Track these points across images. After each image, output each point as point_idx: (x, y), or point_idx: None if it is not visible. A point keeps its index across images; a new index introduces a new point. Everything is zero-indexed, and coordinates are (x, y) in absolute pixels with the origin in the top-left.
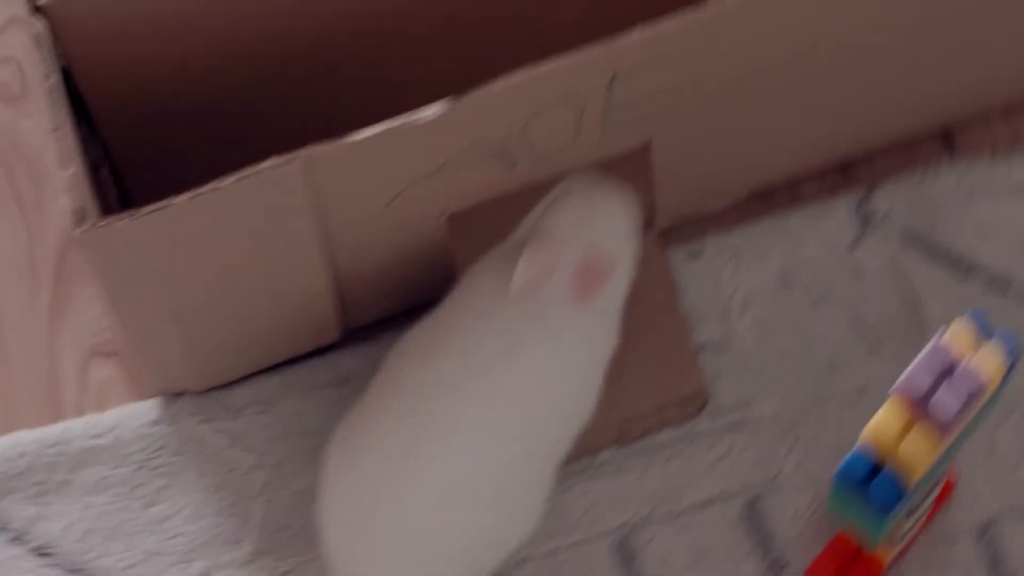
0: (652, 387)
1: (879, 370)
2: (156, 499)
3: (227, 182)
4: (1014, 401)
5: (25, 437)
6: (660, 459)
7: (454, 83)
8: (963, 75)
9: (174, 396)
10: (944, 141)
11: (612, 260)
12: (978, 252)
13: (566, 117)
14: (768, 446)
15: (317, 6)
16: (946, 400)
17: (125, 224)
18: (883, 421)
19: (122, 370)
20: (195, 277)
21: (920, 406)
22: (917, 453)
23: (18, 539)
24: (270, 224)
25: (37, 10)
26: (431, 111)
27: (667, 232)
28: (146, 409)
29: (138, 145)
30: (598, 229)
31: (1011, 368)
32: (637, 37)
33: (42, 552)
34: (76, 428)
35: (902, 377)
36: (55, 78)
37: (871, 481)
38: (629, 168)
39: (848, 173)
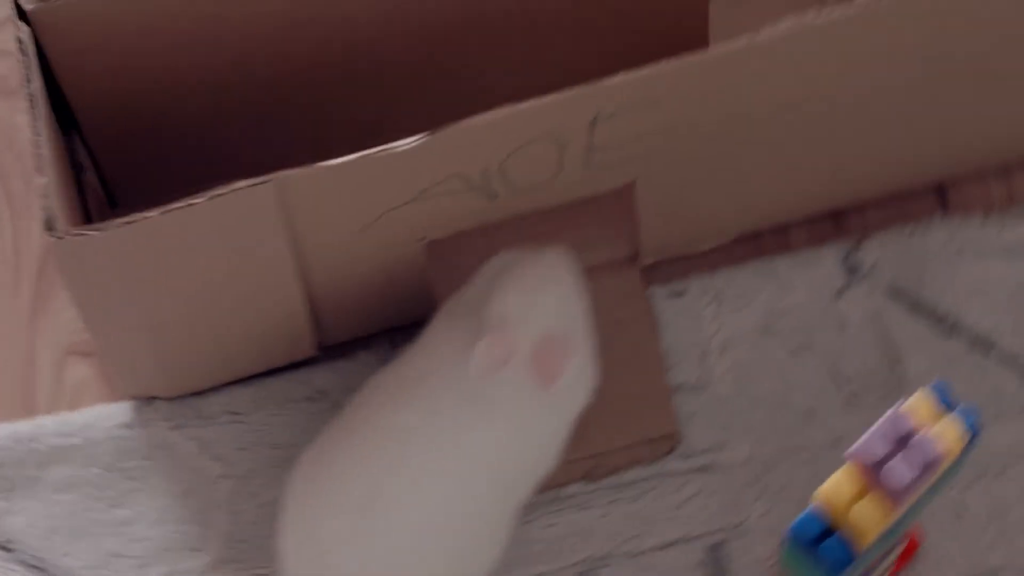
0: (624, 425)
1: (855, 423)
2: (122, 502)
3: (200, 200)
4: (985, 464)
5: None
6: (627, 496)
7: (443, 110)
8: (958, 134)
9: (147, 400)
10: (938, 195)
11: (567, 341)
12: (963, 311)
13: (547, 155)
14: (737, 491)
15: (307, 23)
16: (900, 469)
17: (95, 236)
18: (836, 484)
19: (98, 370)
20: (167, 290)
21: (874, 472)
22: (868, 519)
23: None
24: (243, 242)
25: (22, 16)
26: (408, 142)
27: (651, 268)
28: (118, 411)
29: (125, 150)
30: (547, 312)
31: (972, 441)
32: (618, 81)
33: (4, 546)
34: (48, 425)
35: (858, 442)
36: (36, 84)
37: (822, 542)
38: (613, 204)
39: (839, 222)
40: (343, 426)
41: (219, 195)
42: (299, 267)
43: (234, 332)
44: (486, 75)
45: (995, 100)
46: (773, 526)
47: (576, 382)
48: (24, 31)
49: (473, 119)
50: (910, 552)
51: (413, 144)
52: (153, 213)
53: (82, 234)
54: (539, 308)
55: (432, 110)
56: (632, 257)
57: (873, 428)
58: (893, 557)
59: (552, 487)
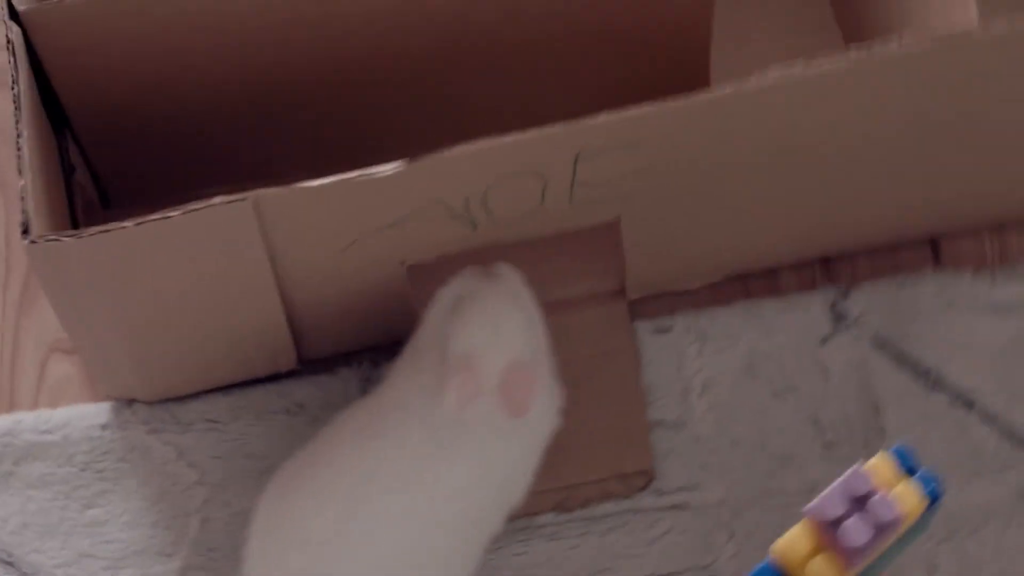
0: (600, 458)
1: (831, 471)
2: (95, 502)
3: (175, 213)
4: (959, 522)
5: None
6: (599, 529)
7: (440, 128)
8: (950, 190)
9: (127, 402)
10: (931, 248)
11: (532, 366)
12: (948, 366)
13: (530, 188)
14: (708, 532)
15: (303, 30)
16: (856, 529)
17: (69, 242)
18: (793, 540)
19: (80, 368)
20: (143, 298)
21: (831, 530)
22: None
23: None
24: (221, 256)
25: (13, 16)
26: (387, 168)
27: (637, 303)
28: (97, 412)
29: (118, 150)
30: (510, 339)
31: (933, 505)
32: (600, 120)
33: None
34: (27, 421)
35: (817, 499)
36: (22, 86)
37: None
38: (602, 236)
39: (828, 268)
40: (313, 458)
41: (195, 209)
42: (278, 283)
43: (212, 342)
44: (486, 100)
45: (987, 159)
46: (742, 569)
47: (543, 406)
48: (15, 32)
49: (454, 149)
50: None
51: (392, 170)
52: (128, 223)
53: (56, 239)
54: (502, 337)
55: (430, 127)
56: (619, 291)
57: (833, 485)
58: None
59: (524, 516)
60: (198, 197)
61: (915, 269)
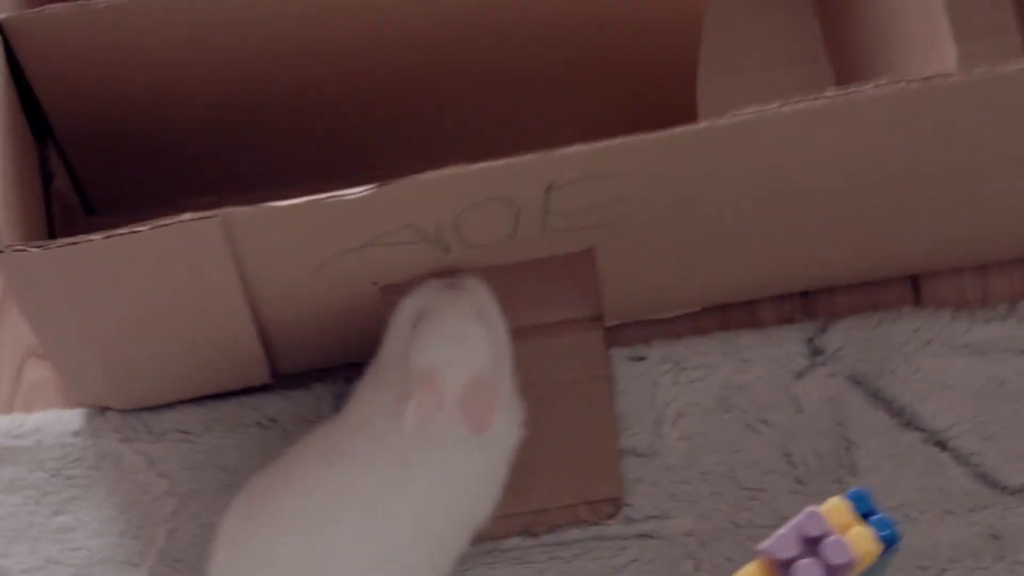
0: (569, 484)
1: (801, 506)
2: (65, 509)
3: (143, 228)
4: (927, 562)
5: None
6: (565, 555)
7: (426, 146)
8: (932, 230)
9: (100, 410)
10: (912, 286)
11: (494, 381)
12: (922, 405)
13: (501, 216)
14: (675, 562)
15: (288, 43)
16: (807, 571)
17: (36, 253)
18: None
19: (56, 373)
20: (111, 310)
21: (784, 570)
22: None
23: None
24: (190, 272)
25: None
26: (357, 191)
27: (614, 330)
28: (70, 418)
29: (101, 158)
30: (472, 353)
31: (889, 550)
32: (572, 152)
33: None
34: (0, 425)
35: (771, 538)
36: (1, 92)
37: None
38: (577, 264)
39: (807, 302)
40: (279, 477)
41: (163, 225)
42: (249, 299)
43: (183, 354)
44: (474, 123)
45: (968, 201)
46: None
47: (506, 419)
48: None
49: (424, 175)
50: None
51: (362, 194)
52: (96, 236)
53: (22, 250)
54: (464, 352)
55: (415, 146)
56: (595, 317)
57: (787, 525)
58: None
59: (491, 539)
60: (182, 207)
61: (894, 307)
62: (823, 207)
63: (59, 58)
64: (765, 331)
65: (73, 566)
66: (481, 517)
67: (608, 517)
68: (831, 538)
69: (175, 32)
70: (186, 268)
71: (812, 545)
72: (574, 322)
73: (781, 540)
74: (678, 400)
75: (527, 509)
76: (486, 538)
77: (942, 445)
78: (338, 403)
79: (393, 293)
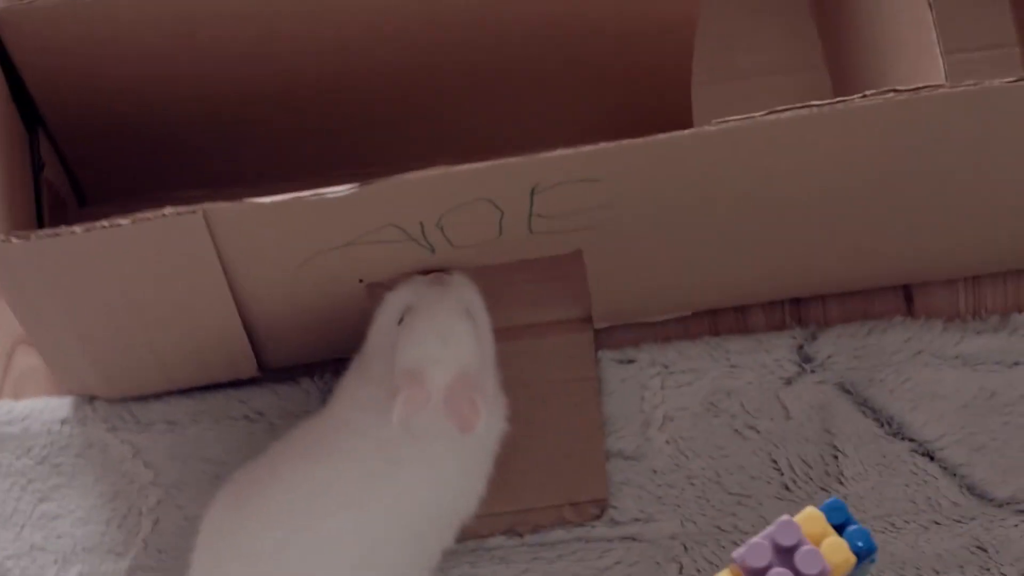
0: (554, 484)
1: (786, 512)
2: (50, 496)
3: (125, 221)
4: (913, 570)
5: None
6: (549, 556)
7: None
8: (924, 241)
9: (88, 398)
10: (904, 295)
11: (479, 377)
12: (911, 415)
13: (486, 218)
14: (659, 565)
15: (282, 38)
16: None
17: (17, 244)
18: None
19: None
20: (97, 302)
21: None
22: None
23: None
24: (173, 266)
25: None
26: (340, 190)
27: (603, 332)
28: (58, 406)
29: (93, 149)
30: (458, 350)
31: (864, 561)
32: (555, 156)
33: None
34: None
35: (745, 546)
36: None
37: None
38: (565, 266)
39: (799, 310)
40: (263, 472)
41: (145, 219)
42: (234, 294)
43: (169, 346)
44: (471, 124)
45: (961, 212)
46: None
47: (490, 414)
48: None
49: (406, 175)
50: None
51: (345, 193)
52: (77, 229)
53: (4, 240)
54: (450, 350)
55: (411, 143)
56: (585, 319)
57: (762, 534)
58: None
59: (475, 537)
60: (176, 200)
61: (886, 316)
62: (812, 215)
63: (50, 49)
64: (755, 337)
65: (56, 553)
66: (465, 513)
67: (593, 519)
68: (804, 548)
69: (166, 24)
70: (169, 262)
71: (786, 554)
72: (563, 323)
73: (754, 548)
74: (666, 404)
75: (512, 508)
76: (470, 536)
77: (930, 455)
78: (326, 398)
79: (379, 290)
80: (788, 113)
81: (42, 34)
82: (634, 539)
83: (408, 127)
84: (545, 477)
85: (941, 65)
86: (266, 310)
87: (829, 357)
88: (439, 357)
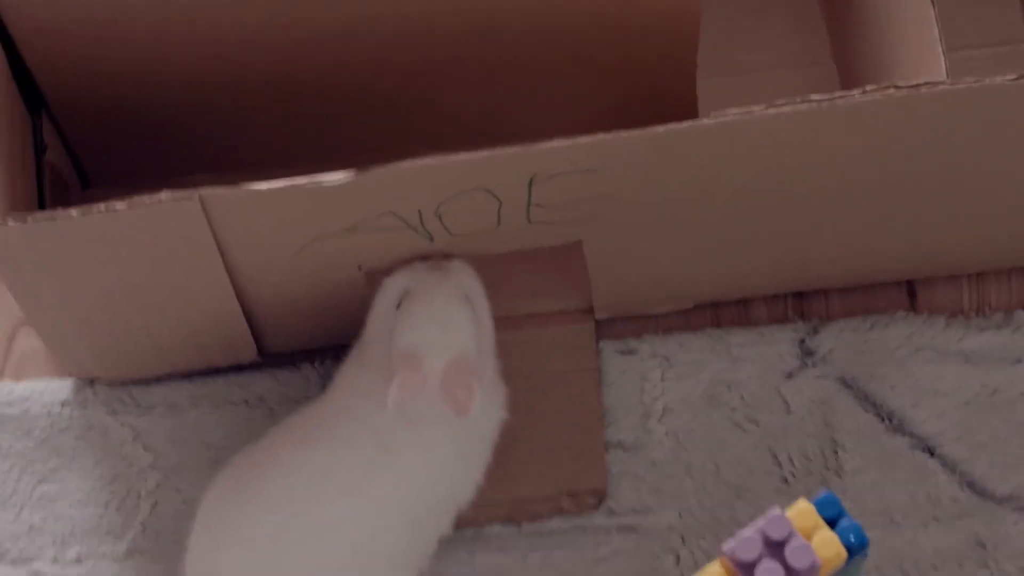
0: (553, 474)
1: (785, 506)
2: (50, 478)
3: (121, 206)
4: (911, 565)
5: None
6: (547, 545)
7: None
8: (927, 236)
9: (89, 381)
10: (908, 290)
11: (475, 366)
12: (911, 411)
13: (484, 207)
14: (655, 557)
15: (285, 26)
16: (769, 573)
17: (15, 227)
18: None
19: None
20: (94, 286)
21: (747, 571)
22: None
23: None
24: (170, 251)
25: None
26: (336, 177)
27: (604, 323)
28: (59, 388)
29: (97, 131)
30: (455, 335)
31: (856, 556)
32: (553, 146)
33: None
34: None
35: (734, 538)
36: None
37: None
38: (565, 257)
39: (801, 303)
40: (261, 457)
41: (142, 204)
42: (232, 279)
43: (168, 331)
44: (474, 114)
45: (962, 210)
46: None
47: (490, 400)
48: None
49: (403, 164)
50: None
51: (341, 180)
52: (74, 212)
53: (2, 224)
54: (447, 335)
55: (415, 131)
56: (587, 310)
57: (752, 527)
58: None
59: (473, 526)
60: (179, 183)
61: (889, 311)
62: (812, 210)
63: (52, 32)
64: (757, 330)
65: (55, 535)
66: (463, 499)
67: (591, 509)
68: (794, 542)
69: (168, 7)
70: (167, 247)
71: (776, 548)
72: (565, 314)
73: (744, 542)
74: (666, 395)
75: (510, 497)
76: (468, 524)
77: (930, 451)
78: (326, 384)
79: (378, 278)
80: (787, 107)
81: (44, 16)
82: (632, 530)
83: (415, 115)
84: (544, 467)
85: (943, 62)
86: (265, 296)
87: (831, 351)
88: (436, 342)
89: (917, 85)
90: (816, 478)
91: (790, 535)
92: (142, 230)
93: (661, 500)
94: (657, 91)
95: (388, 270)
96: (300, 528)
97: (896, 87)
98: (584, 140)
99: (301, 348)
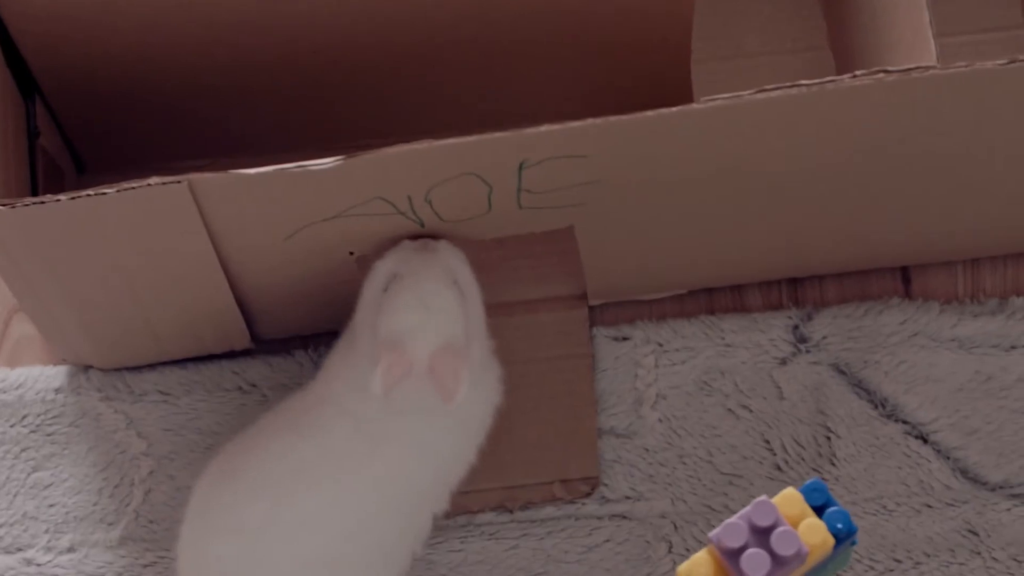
0: (546, 461)
1: (778, 492)
2: (43, 465)
3: (110, 191)
4: (903, 553)
5: None
6: (538, 532)
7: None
8: (921, 222)
9: (83, 368)
10: (902, 277)
11: (462, 351)
12: (905, 398)
13: (475, 192)
14: (648, 543)
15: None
16: (756, 560)
17: (4, 211)
18: (695, 564)
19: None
20: (85, 271)
21: (734, 558)
22: None
23: None
24: (160, 236)
25: None
26: (324, 163)
27: (599, 309)
28: (52, 375)
29: (91, 117)
30: (440, 323)
31: (843, 543)
32: (542, 131)
33: None
34: None
35: (722, 526)
36: None
37: None
38: (558, 242)
39: (795, 290)
40: (251, 445)
41: (130, 188)
42: (224, 265)
43: (160, 317)
44: (471, 98)
45: (956, 195)
46: None
47: (484, 384)
48: None
49: (391, 149)
50: None
51: (329, 165)
52: (62, 197)
53: None
54: (433, 319)
55: (413, 116)
56: (580, 296)
57: (739, 514)
58: None
59: (465, 513)
60: (175, 169)
61: (883, 297)
62: (804, 195)
63: (47, 17)
64: (751, 317)
65: (48, 522)
66: (455, 480)
67: (583, 496)
68: (780, 529)
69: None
70: (157, 232)
71: (762, 535)
72: (558, 299)
73: (730, 529)
74: (659, 382)
75: (502, 485)
76: (460, 512)
77: (923, 438)
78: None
79: (370, 263)
80: (777, 92)
81: (38, 1)
82: (624, 517)
83: (410, 98)
84: (536, 454)
85: (933, 47)
86: (257, 282)
87: (824, 338)
88: (422, 326)
89: (907, 70)
90: (809, 465)
91: (776, 522)
92: (131, 215)
93: (654, 487)
94: (652, 76)
95: (379, 256)
96: (291, 515)
97: (886, 72)
98: (573, 125)
99: (294, 334)
